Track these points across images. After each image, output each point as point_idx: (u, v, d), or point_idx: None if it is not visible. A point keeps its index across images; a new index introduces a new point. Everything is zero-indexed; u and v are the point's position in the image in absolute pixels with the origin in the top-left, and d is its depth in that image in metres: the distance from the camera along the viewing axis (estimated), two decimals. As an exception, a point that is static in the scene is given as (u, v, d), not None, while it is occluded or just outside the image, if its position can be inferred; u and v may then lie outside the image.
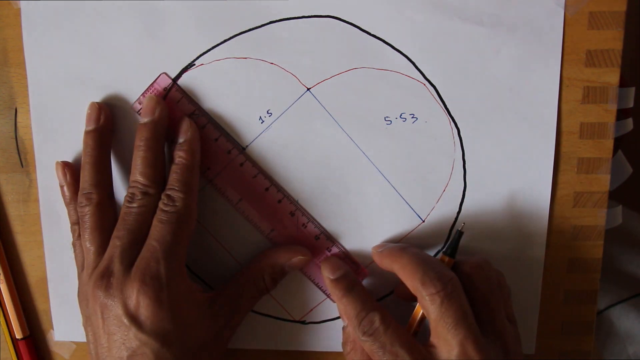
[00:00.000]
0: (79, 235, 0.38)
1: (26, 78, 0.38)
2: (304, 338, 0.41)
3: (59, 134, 0.39)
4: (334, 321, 0.41)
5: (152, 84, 0.38)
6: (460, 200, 0.39)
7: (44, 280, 0.41)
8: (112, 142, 0.39)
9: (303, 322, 0.41)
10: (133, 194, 0.36)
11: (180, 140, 0.37)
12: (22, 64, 0.38)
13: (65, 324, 0.41)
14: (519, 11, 0.37)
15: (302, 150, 0.39)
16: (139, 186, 0.36)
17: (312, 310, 0.41)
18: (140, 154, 0.36)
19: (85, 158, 0.37)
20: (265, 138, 0.39)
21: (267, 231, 0.39)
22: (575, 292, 0.40)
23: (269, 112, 0.38)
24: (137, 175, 0.36)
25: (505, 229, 0.39)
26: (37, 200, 0.40)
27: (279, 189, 0.39)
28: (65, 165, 0.38)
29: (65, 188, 0.38)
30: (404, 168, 0.39)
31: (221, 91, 0.38)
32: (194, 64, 0.38)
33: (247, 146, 0.39)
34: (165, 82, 0.38)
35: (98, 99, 0.38)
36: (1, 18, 0.38)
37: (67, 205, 0.39)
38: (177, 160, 0.37)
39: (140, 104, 0.38)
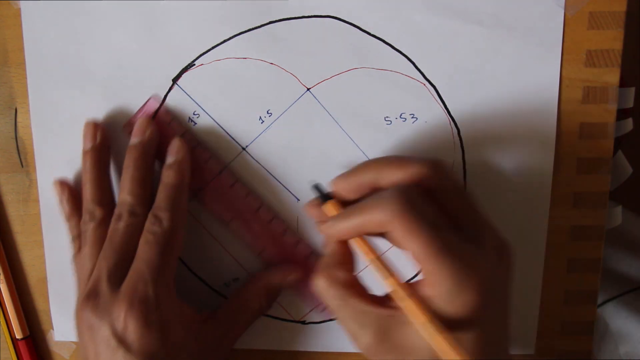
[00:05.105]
0: (79, 249, 0.37)
1: (26, 78, 0.38)
2: (303, 338, 0.41)
3: (59, 134, 0.39)
4: (334, 321, 0.41)
5: (141, 108, 0.38)
6: (460, 200, 0.39)
7: (44, 280, 0.41)
8: (110, 158, 0.38)
9: (303, 322, 0.41)
10: (120, 213, 0.35)
11: (170, 160, 0.37)
12: (22, 64, 0.38)
13: (65, 324, 0.41)
14: (519, 11, 0.37)
15: (302, 151, 0.39)
16: (127, 206, 0.35)
17: (312, 310, 0.41)
18: (129, 172, 0.36)
19: (85, 176, 0.37)
20: (265, 138, 0.39)
21: (259, 250, 0.39)
22: (575, 292, 0.40)
23: (269, 112, 0.38)
24: (125, 194, 0.36)
25: (506, 229, 0.39)
26: (37, 200, 0.40)
27: (269, 208, 0.39)
28: (62, 183, 0.38)
29: (64, 203, 0.38)
30: (404, 168, 0.39)
31: (221, 91, 0.38)
32: (194, 64, 0.38)
33: (247, 146, 0.39)
34: (155, 105, 0.38)
35: (98, 98, 0.38)
36: (1, 18, 0.38)
37: (66, 220, 0.38)
38: (165, 180, 0.36)
39: (130, 125, 0.38)
